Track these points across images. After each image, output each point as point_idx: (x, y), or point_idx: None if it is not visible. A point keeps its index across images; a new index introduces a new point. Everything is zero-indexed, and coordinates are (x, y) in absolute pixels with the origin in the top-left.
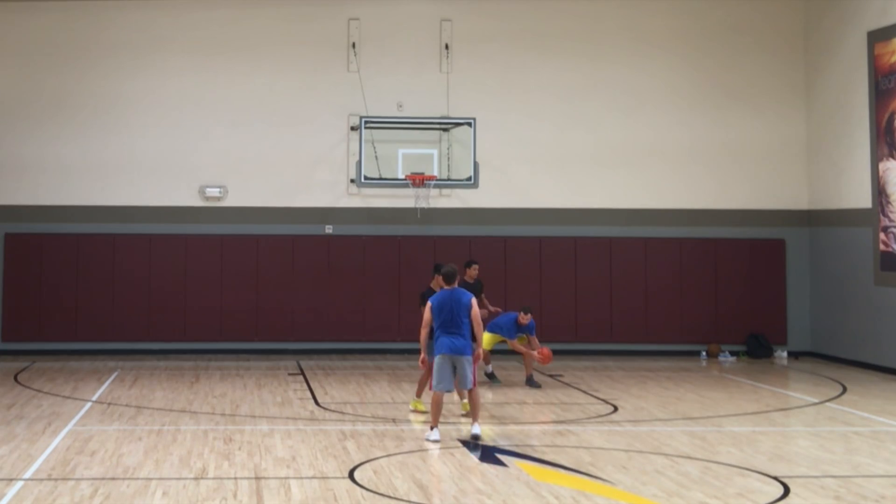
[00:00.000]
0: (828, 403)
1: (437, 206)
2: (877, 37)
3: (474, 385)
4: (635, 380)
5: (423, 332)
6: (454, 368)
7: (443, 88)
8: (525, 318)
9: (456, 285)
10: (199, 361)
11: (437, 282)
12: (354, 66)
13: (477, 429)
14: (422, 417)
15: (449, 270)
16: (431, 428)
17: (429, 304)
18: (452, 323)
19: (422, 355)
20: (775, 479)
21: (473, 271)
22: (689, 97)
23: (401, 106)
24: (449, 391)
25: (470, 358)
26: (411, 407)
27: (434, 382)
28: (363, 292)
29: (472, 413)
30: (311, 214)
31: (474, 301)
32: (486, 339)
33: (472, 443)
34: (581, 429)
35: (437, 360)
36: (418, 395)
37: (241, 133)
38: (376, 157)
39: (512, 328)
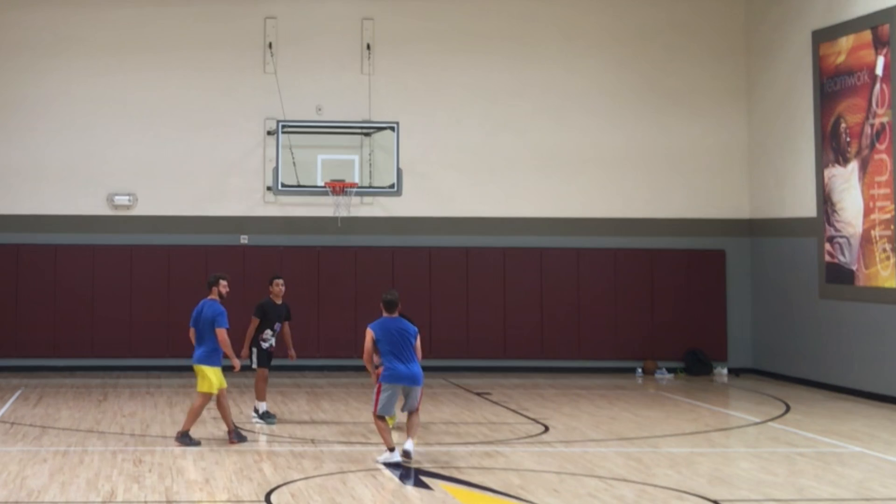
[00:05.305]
0: (770, 423)
1: (359, 214)
2: (822, 37)
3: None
4: (567, 398)
5: None
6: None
7: (364, 91)
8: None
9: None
10: (108, 378)
11: None
12: (271, 67)
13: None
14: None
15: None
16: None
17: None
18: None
19: None
20: (715, 502)
21: (277, 288)
22: (624, 100)
23: (320, 109)
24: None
25: None
26: None
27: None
28: None
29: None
30: (226, 224)
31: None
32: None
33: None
34: (510, 450)
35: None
36: None
37: (151, 138)
38: (294, 164)
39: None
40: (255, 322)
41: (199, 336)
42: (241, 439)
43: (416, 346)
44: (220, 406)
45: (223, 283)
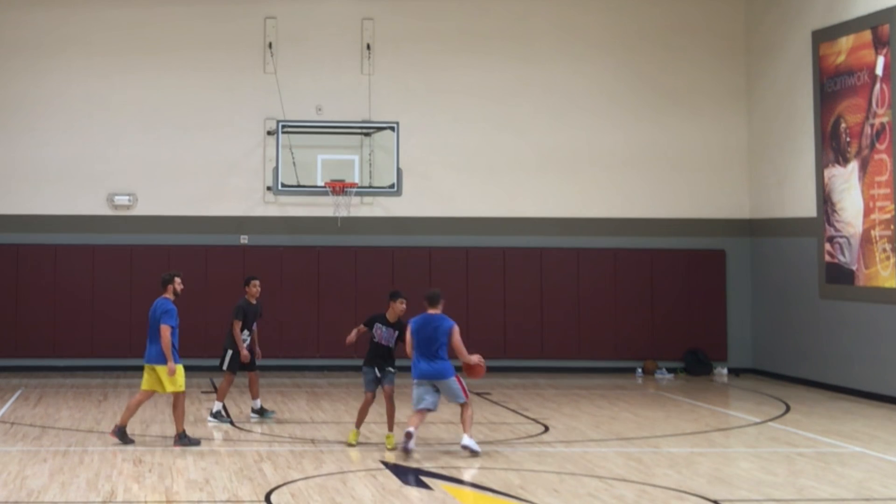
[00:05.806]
0: (770, 423)
1: (359, 214)
2: (822, 36)
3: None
4: (567, 398)
5: None
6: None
7: (364, 91)
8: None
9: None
10: (108, 378)
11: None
12: (271, 67)
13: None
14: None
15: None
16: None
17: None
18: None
19: None
20: (715, 502)
21: (255, 289)
22: (624, 100)
23: (320, 109)
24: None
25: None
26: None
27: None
28: (280, 305)
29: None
30: (226, 223)
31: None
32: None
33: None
34: (510, 450)
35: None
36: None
37: (151, 138)
38: (294, 164)
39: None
40: (237, 324)
41: (152, 335)
42: (192, 443)
43: (454, 341)
44: (146, 401)
45: (178, 280)
